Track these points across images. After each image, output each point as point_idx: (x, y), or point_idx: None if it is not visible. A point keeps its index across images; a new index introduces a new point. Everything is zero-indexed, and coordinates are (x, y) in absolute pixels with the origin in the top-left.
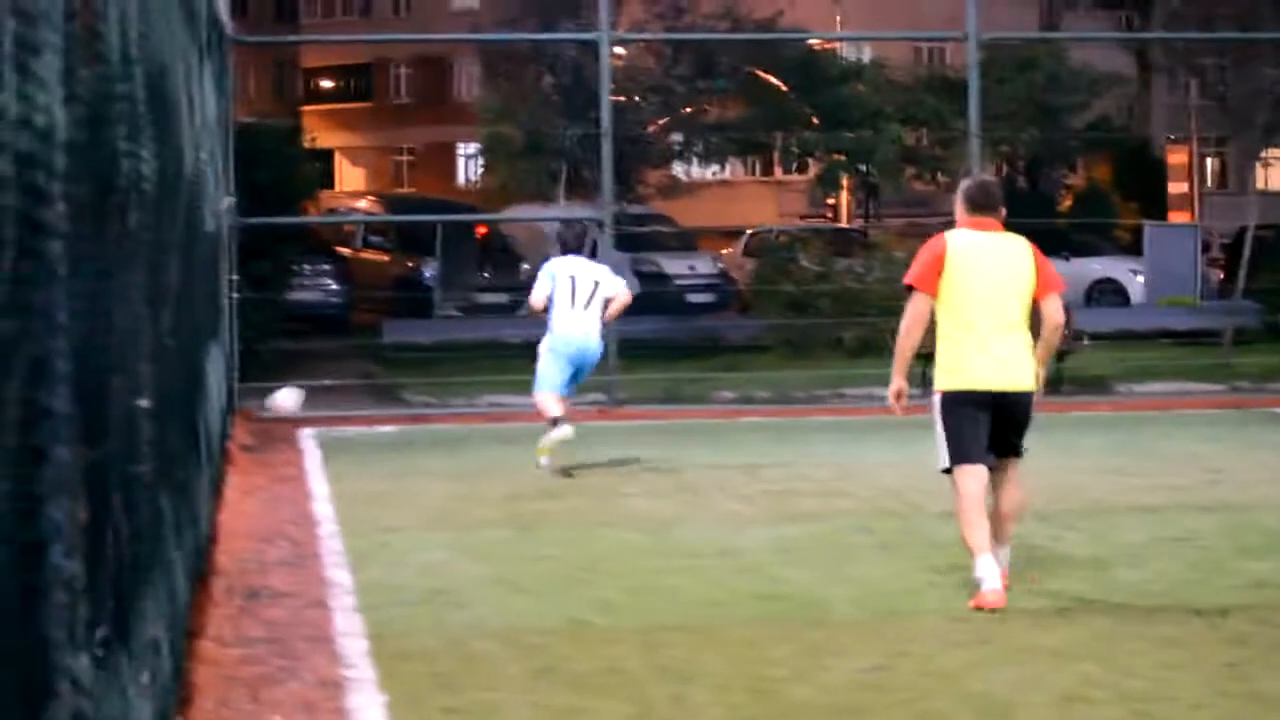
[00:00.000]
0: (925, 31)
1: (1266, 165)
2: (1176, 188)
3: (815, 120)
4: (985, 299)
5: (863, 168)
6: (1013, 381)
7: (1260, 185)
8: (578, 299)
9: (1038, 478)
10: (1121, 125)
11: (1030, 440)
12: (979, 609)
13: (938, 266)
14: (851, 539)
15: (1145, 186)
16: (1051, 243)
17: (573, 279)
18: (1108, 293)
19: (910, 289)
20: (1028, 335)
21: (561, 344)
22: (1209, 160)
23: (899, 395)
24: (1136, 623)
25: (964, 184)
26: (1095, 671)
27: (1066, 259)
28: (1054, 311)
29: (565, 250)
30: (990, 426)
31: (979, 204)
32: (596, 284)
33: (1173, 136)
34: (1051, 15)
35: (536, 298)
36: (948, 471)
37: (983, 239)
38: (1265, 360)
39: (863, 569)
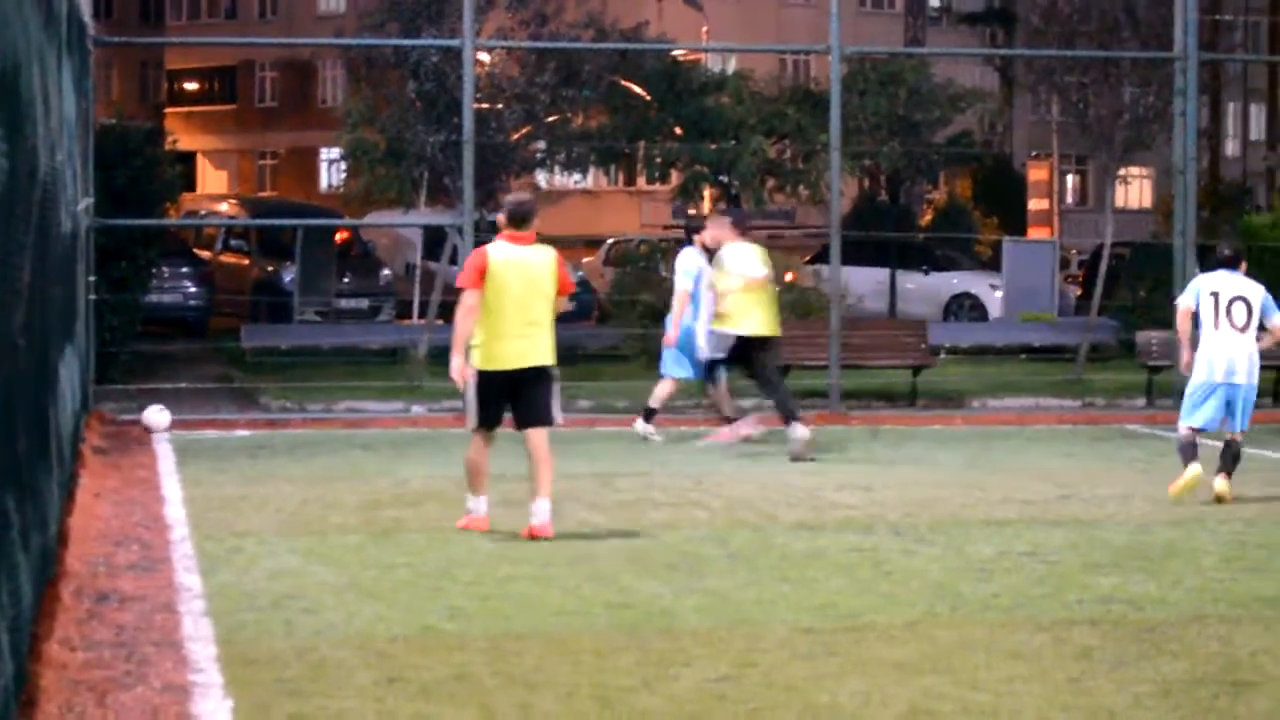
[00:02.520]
0: (789, 44)
1: (1125, 183)
2: (1037, 204)
3: (679, 131)
4: (514, 299)
5: (725, 179)
6: (532, 360)
7: (1119, 203)
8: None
9: (894, 490)
10: (984, 141)
11: (883, 452)
12: (466, 529)
13: (481, 271)
14: (703, 549)
15: (1006, 202)
16: (911, 256)
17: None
18: (966, 307)
19: (461, 289)
20: (549, 327)
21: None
22: (1069, 177)
23: (460, 371)
24: (983, 636)
25: (507, 201)
26: (940, 685)
27: (926, 273)
28: (562, 305)
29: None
30: (515, 399)
31: (516, 221)
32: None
33: (1035, 153)
34: (916, 30)
35: None
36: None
37: (517, 250)
38: (1119, 377)
39: (713, 579)
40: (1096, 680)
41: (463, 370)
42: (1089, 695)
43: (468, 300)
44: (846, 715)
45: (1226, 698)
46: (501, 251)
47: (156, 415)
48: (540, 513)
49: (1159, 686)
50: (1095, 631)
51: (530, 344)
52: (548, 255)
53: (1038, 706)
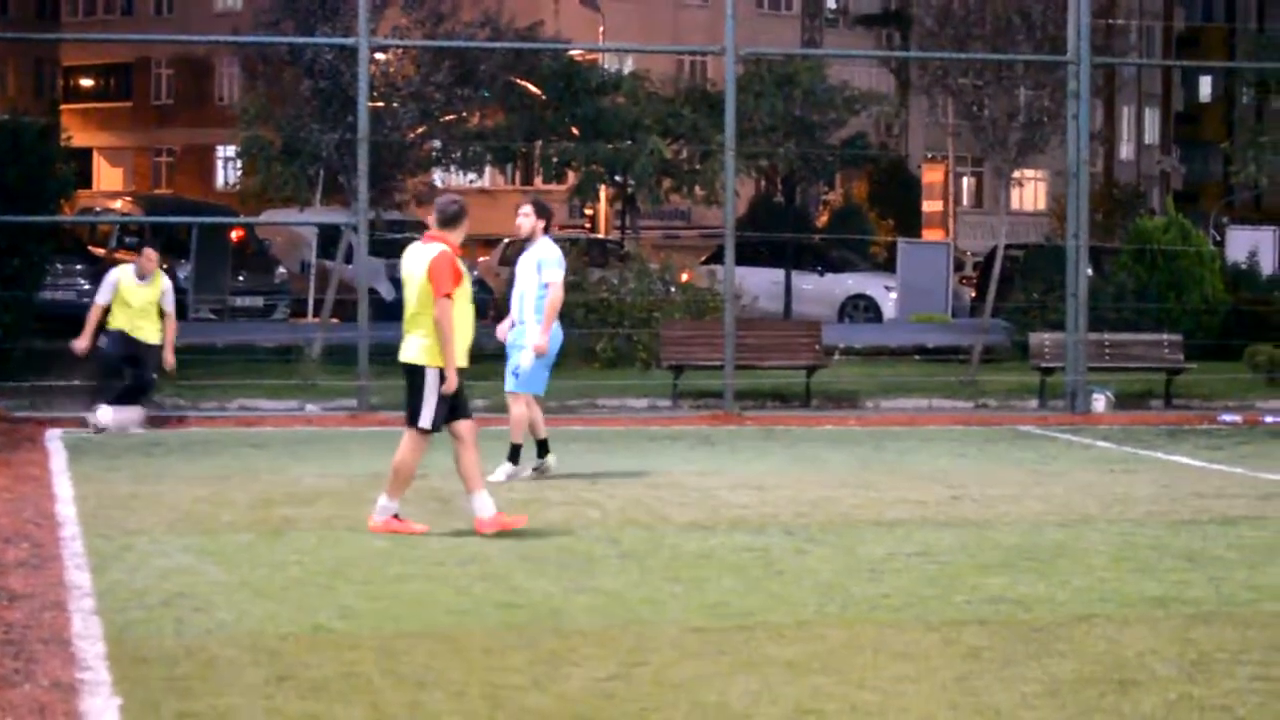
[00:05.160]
0: (684, 45)
1: (1020, 185)
2: (932, 206)
3: (575, 131)
4: (405, 296)
5: (620, 179)
6: (404, 357)
7: (1014, 205)
8: None
9: (786, 490)
10: (880, 143)
11: (776, 452)
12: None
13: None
14: (596, 549)
15: (901, 204)
16: (807, 258)
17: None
18: (861, 308)
19: None
20: (424, 326)
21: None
22: (964, 179)
23: None
24: (872, 636)
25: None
26: (828, 684)
27: (821, 274)
28: (436, 310)
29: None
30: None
31: (437, 220)
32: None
33: (930, 155)
34: (813, 32)
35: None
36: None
37: (414, 249)
38: (1012, 378)
39: (605, 579)
40: (984, 680)
41: None
42: (976, 695)
43: None
44: (735, 714)
45: (1113, 697)
46: (408, 252)
47: (127, 414)
48: (376, 507)
49: (1046, 686)
50: (984, 631)
51: (406, 341)
52: (427, 253)
53: (925, 706)
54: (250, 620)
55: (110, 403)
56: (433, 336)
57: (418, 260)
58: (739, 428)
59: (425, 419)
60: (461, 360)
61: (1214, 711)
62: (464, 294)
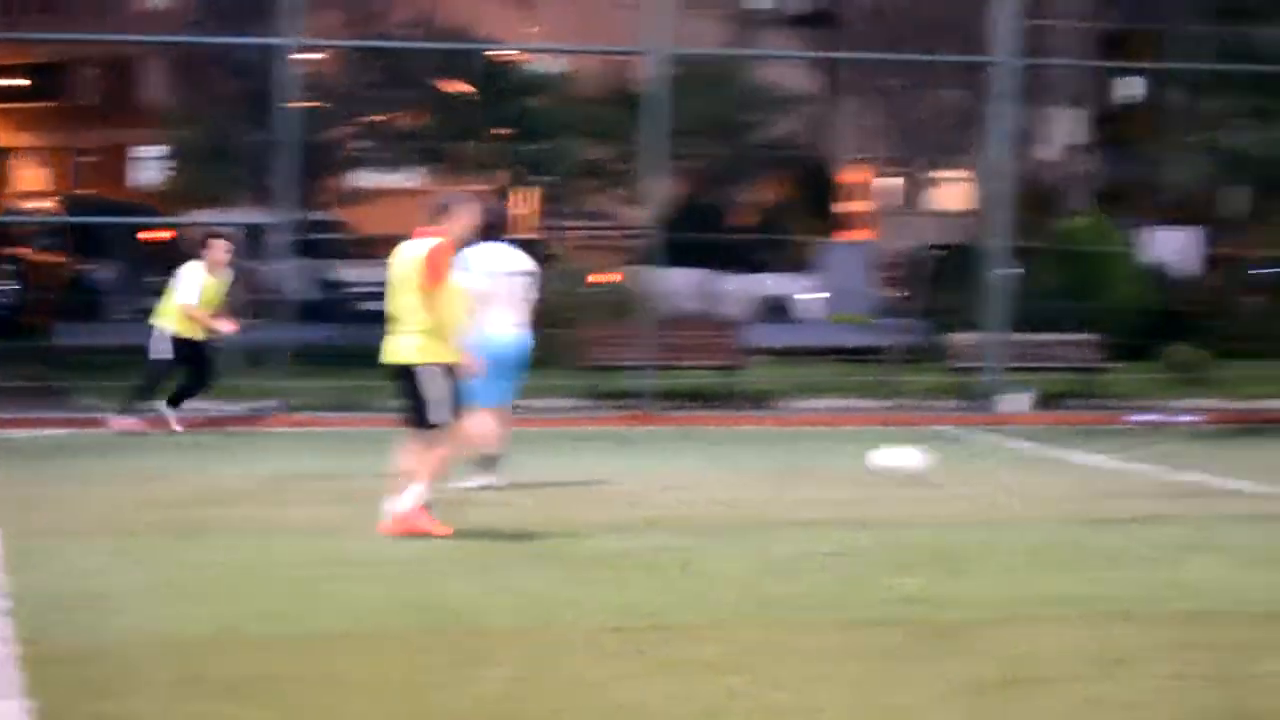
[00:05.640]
0: (607, 45)
1: (942, 185)
2: (856, 206)
3: (502, 131)
4: (389, 293)
5: (544, 179)
6: (391, 356)
7: (941, 206)
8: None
9: (703, 490)
10: (806, 143)
11: (694, 452)
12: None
13: None
14: (514, 549)
15: (825, 204)
16: (728, 258)
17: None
18: (780, 309)
19: None
20: (415, 320)
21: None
22: (888, 180)
23: None
24: (786, 636)
25: None
26: (742, 684)
27: (741, 275)
28: (429, 300)
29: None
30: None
31: (429, 214)
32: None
33: (857, 156)
34: (743, 32)
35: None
36: None
37: (407, 245)
38: (930, 378)
39: (523, 579)
40: (898, 680)
41: None
42: (891, 695)
43: None
44: (650, 713)
45: (1029, 696)
46: (396, 250)
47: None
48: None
49: (961, 686)
50: (899, 631)
51: (392, 340)
52: (418, 248)
53: (837, 705)
54: (167, 621)
55: (172, 403)
56: (423, 334)
57: (407, 256)
58: (658, 428)
59: (435, 415)
60: (454, 355)
61: (1132, 709)
62: (451, 289)
